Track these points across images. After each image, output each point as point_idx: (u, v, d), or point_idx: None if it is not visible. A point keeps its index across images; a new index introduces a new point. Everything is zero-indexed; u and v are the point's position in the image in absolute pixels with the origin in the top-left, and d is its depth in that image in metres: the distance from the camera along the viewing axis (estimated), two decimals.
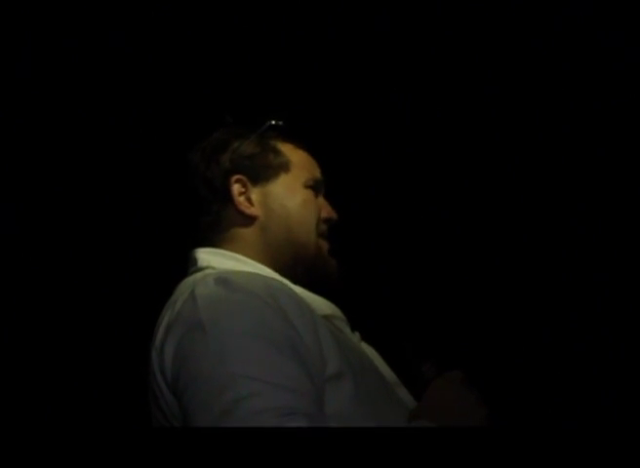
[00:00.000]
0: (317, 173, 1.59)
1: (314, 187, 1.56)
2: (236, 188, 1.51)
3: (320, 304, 1.45)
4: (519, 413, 2.04)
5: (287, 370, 1.21)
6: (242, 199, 1.51)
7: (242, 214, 1.51)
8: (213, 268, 1.45)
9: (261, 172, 1.53)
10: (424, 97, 2.31)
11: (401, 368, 1.53)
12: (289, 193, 1.53)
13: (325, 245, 1.54)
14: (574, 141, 2.28)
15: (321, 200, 1.58)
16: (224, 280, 1.32)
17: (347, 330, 1.49)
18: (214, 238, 1.52)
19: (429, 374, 1.47)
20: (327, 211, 1.58)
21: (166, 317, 1.35)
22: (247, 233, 1.51)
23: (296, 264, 1.50)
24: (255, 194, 1.52)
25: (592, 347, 2.17)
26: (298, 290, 1.43)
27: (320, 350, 1.29)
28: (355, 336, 1.51)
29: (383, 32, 2.25)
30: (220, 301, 1.28)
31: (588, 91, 2.28)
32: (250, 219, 1.51)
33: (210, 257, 1.48)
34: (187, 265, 1.52)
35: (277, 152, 1.55)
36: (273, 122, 1.58)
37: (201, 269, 1.46)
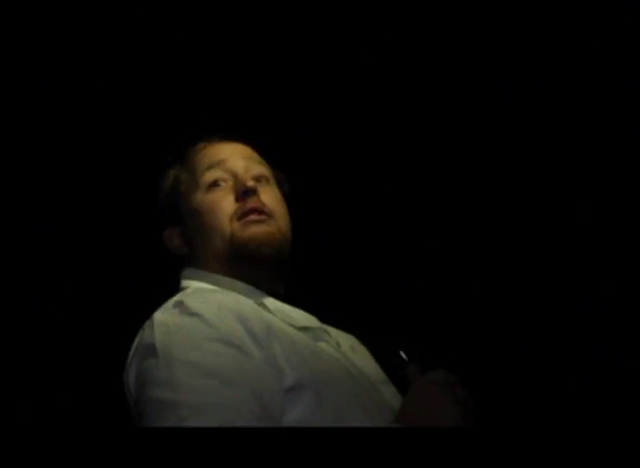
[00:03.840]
0: (212, 161, 1.59)
1: (215, 181, 1.57)
2: (169, 240, 1.63)
3: (296, 316, 1.49)
4: (505, 411, 2.02)
5: (228, 395, 1.26)
6: (176, 245, 1.61)
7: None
8: (190, 288, 1.51)
9: (173, 214, 1.61)
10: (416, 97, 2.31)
11: (388, 370, 1.54)
12: (195, 212, 1.57)
13: (245, 223, 1.52)
14: (561, 142, 2.28)
15: (229, 183, 1.57)
16: (180, 303, 1.38)
17: (329, 338, 1.52)
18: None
19: (412, 376, 1.46)
20: (236, 188, 1.55)
21: (136, 339, 1.41)
22: (198, 259, 1.58)
23: (232, 265, 1.52)
24: (180, 233, 1.61)
25: (578, 345, 2.17)
26: (272, 303, 1.48)
27: (274, 363, 1.32)
28: (335, 343, 1.53)
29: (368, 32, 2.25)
30: (174, 326, 1.34)
31: (587, 91, 2.27)
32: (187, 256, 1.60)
33: (189, 276, 1.56)
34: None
35: (176, 183, 1.62)
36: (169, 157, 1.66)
37: (182, 289, 1.52)
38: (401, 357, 1.49)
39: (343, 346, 1.57)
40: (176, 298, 1.40)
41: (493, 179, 2.30)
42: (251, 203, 1.53)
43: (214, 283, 1.52)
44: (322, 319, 1.65)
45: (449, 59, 2.32)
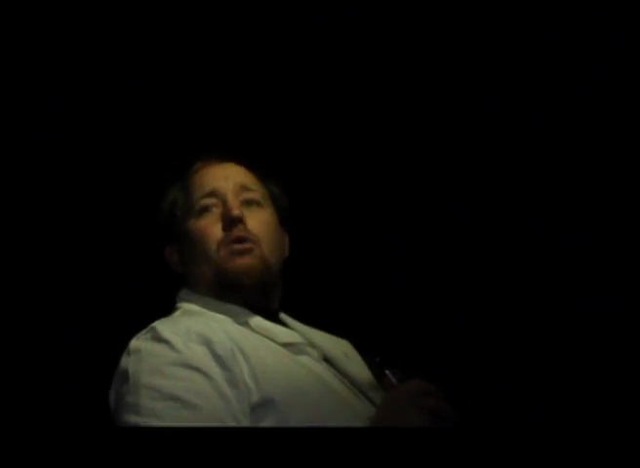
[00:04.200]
0: (205, 186, 1.67)
1: (206, 207, 1.65)
2: (170, 258, 1.72)
3: (279, 333, 1.59)
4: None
5: (187, 416, 1.36)
6: (175, 263, 1.71)
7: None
8: (180, 309, 1.63)
9: (172, 234, 1.70)
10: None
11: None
12: (187, 236, 1.66)
13: (229, 252, 1.60)
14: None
15: (219, 208, 1.64)
16: (152, 329, 1.49)
17: (311, 352, 1.59)
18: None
19: (389, 386, 1.50)
20: (223, 217, 1.63)
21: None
22: (190, 280, 1.68)
23: (218, 290, 1.62)
24: (178, 253, 1.70)
25: (560, 353, 2.18)
26: (256, 322, 1.58)
27: (238, 382, 1.41)
28: (319, 356, 1.59)
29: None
30: (144, 352, 1.45)
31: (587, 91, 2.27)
32: (184, 274, 1.69)
33: (183, 298, 1.67)
34: None
35: (173, 205, 1.71)
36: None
37: (176, 309, 1.65)
38: (379, 366, 1.54)
39: (335, 355, 1.63)
40: (153, 324, 1.51)
41: (487, 189, 2.30)
42: (237, 232, 1.61)
43: (203, 304, 1.62)
44: (317, 325, 1.71)
45: (449, 60, 2.31)
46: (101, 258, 2.22)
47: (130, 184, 2.22)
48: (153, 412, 1.36)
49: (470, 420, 1.43)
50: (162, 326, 1.49)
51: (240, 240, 1.60)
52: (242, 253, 1.60)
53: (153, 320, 1.54)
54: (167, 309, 1.65)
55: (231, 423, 1.36)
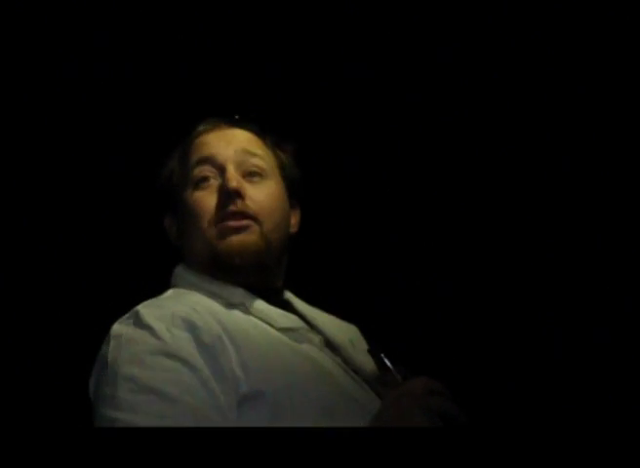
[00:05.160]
0: (202, 156, 1.54)
1: (204, 177, 1.53)
2: (169, 229, 1.62)
3: (277, 318, 1.47)
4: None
5: (166, 410, 1.25)
6: (173, 235, 1.61)
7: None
8: (172, 289, 1.52)
9: (171, 204, 1.59)
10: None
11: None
12: (183, 208, 1.55)
13: (223, 228, 1.49)
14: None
15: (218, 179, 1.52)
16: (135, 314, 1.37)
17: (313, 338, 1.49)
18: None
19: (392, 383, 1.39)
20: (220, 190, 1.50)
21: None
22: (186, 256, 1.57)
23: (213, 269, 1.50)
24: (177, 224, 1.59)
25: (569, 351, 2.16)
26: (254, 305, 1.46)
27: (225, 373, 1.31)
28: (320, 342, 1.49)
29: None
30: (125, 339, 1.34)
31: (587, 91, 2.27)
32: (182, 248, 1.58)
33: (178, 275, 1.56)
34: None
35: (171, 174, 1.59)
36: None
37: (172, 286, 1.54)
38: (383, 362, 1.43)
39: (339, 342, 1.52)
40: (137, 307, 1.39)
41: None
42: (233, 207, 1.49)
43: (197, 283, 1.51)
44: (324, 306, 1.63)
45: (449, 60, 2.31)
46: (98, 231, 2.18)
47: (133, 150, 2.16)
48: (131, 406, 1.24)
49: (477, 421, 1.35)
50: (146, 309, 1.37)
51: (236, 216, 1.48)
52: (237, 230, 1.47)
53: (151, 296, 1.44)
54: (165, 285, 1.55)
55: (215, 417, 1.25)
